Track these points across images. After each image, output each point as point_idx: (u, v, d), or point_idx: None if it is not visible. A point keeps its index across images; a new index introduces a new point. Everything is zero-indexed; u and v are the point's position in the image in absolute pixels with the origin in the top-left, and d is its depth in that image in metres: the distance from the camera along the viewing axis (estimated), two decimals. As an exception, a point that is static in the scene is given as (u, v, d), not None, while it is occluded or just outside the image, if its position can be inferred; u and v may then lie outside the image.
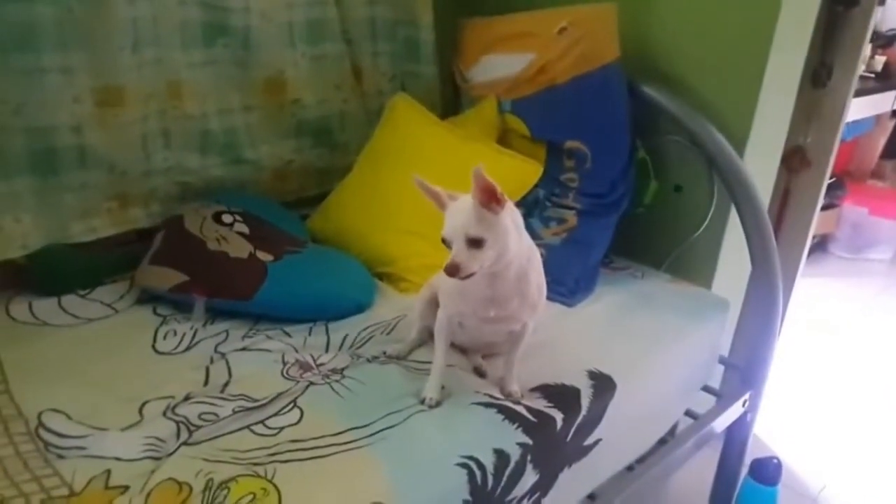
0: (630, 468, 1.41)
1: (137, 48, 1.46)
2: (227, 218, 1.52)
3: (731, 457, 1.75)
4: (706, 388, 1.63)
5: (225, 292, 1.36)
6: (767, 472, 1.68)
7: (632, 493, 1.34)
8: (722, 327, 1.62)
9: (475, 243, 1.01)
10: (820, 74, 1.81)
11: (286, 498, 0.96)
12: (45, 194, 1.42)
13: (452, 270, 1.00)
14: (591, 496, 1.32)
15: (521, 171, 1.65)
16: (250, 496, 0.95)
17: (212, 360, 1.25)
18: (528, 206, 1.68)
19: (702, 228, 1.72)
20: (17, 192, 1.39)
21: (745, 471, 1.70)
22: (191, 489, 0.96)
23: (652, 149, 1.70)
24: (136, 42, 1.45)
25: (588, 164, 1.67)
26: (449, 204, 1.05)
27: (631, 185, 1.65)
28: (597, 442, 1.27)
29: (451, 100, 2.02)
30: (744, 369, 1.68)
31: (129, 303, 1.42)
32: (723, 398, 1.64)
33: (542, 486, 1.18)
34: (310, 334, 1.36)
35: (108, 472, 0.98)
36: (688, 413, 1.58)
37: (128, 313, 1.39)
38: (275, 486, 0.98)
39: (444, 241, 1.04)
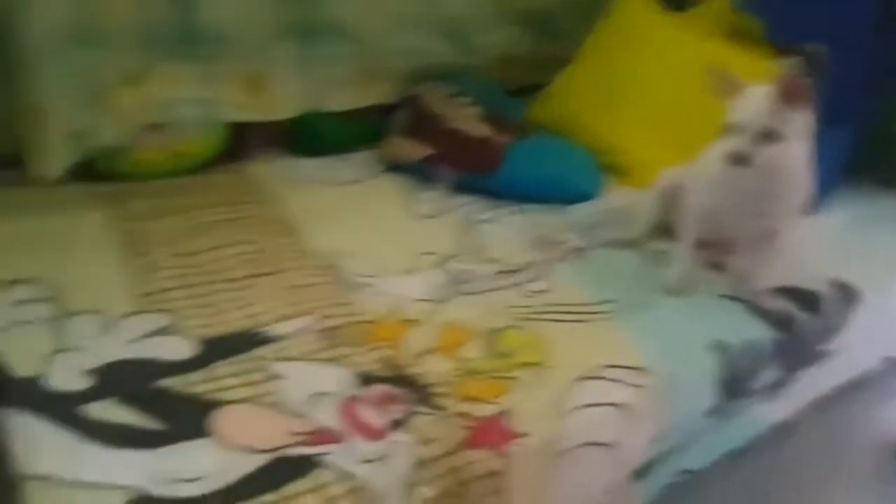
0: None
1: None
2: (462, 100, 1.59)
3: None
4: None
5: (472, 167, 1.45)
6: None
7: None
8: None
9: (767, 136, 1.01)
10: None
11: (552, 351, 1.05)
12: (305, 61, 1.53)
13: (737, 159, 1.02)
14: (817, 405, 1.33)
15: (762, 75, 1.60)
16: (524, 345, 1.06)
17: (465, 227, 1.35)
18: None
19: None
20: (282, 58, 1.51)
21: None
22: (475, 333, 1.07)
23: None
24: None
25: (827, 71, 1.59)
26: (744, 91, 1.05)
27: (879, 96, 1.55)
28: (835, 350, 1.28)
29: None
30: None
31: (378, 170, 1.54)
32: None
33: (780, 383, 1.21)
34: (546, 212, 1.43)
35: (399, 306, 1.11)
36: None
37: (379, 179, 1.52)
38: (541, 338, 1.07)
39: (731, 127, 1.05)
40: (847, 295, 1.29)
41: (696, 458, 1.17)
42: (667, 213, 1.35)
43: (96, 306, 1.03)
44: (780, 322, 1.20)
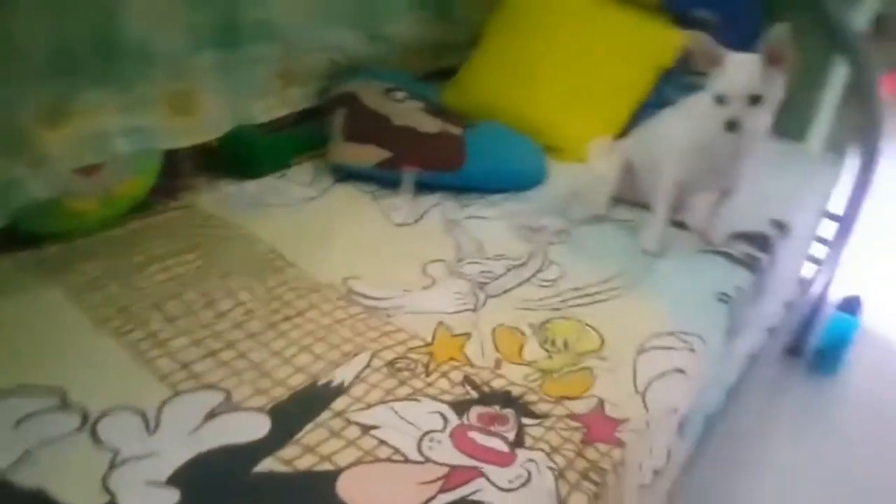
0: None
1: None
2: (399, 94, 1.53)
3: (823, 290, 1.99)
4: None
5: (436, 165, 1.41)
6: (851, 304, 1.95)
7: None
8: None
9: (755, 100, 1.10)
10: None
11: (603, 333, 1.08)
12: (227, 69, 1.38)
13: (734, 125, 1.10)
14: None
15: (667, 41, 1.72)
16: (574, 334, 1.07)
17: (449, 228, 1.32)
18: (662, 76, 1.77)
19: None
20: (205, 68, 1.35)
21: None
22: (522, 332, 1.07)
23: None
24: None
25: (717, 35, 1.76)
26: (728, 59, 1.12)
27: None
28: (774, 281, 1.45)
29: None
30: (844, 219, 1.89)
31: (329, 182, 1.44)
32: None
33: (749, 320, 1.35)
34: (513, 201, 1.44)
35: (442, 323, 1.07)
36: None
37: (337, 191, 1.42)
38: (585, 324, 1.10)
39: (718, 97, 1.12)
40: (782, 231, 1.46)
41: (711, 404, 1.28)
42: (621, 185, 1.43)
43: (123, 401, 0.86)
44: (750, 266, 1.33)
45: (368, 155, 1.42)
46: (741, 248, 1.37)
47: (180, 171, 1.34)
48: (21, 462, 0.77)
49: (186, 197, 1.32)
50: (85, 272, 1.08)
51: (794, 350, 2.07)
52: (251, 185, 1.39)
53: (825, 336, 2.00)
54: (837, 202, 1.88)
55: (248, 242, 1.22)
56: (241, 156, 1.42)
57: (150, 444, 0.81)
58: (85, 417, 0.83)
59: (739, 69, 1.11)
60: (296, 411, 0.89)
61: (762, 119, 1.16)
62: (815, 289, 1.76)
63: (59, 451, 0.79)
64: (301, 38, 1.49)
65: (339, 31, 1.59)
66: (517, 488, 0.82)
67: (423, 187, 1.43)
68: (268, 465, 0.81)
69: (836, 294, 2.01)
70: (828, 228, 1.89)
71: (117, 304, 1.02)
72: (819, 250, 1.87)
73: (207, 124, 1.35)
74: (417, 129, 1.46)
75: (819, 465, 1.72)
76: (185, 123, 1.29)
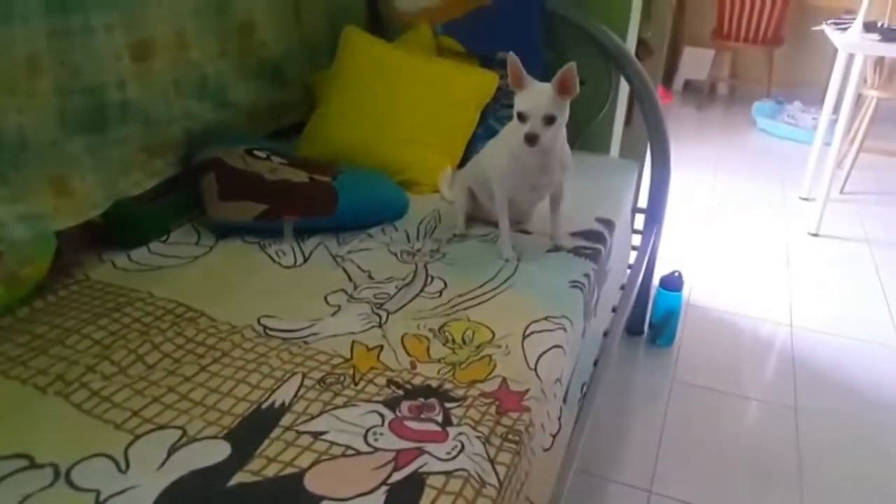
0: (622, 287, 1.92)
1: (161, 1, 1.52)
2: (259, 153, 1.67)
3: (647, 274, 2.35)
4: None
5: (312, 211, 1.55)
6: (673, 282, 2.33)
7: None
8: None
9: (550, 120, 1.37)
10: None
11: (491, 326, 1.28)
12: (97, 151, 1.45)
13: (532, 139, 1.35)
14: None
15: (483, 81, 2.00)
16: (469, 331, 1.26)
17: (337, 263, 1.46)
18: (484, 111, 2.04)
19: (604, 111, 2.23)
20: (77, 153, 1.41)
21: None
22: (426, 336, 1.24)
23: (558, 52, 2.15)
24: (159, -7, 1.51)
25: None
26: (529, 84, 1.38)
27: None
28: (609, 269, 1.74)
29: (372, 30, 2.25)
30: (650, 211, 2.26)
31: (213, 239, 1.53)
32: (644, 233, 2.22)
33: (597, 302, 1.62)
34: (385, 233, 1.61)
35: (356, 341, 1.21)
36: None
37: (222, 246, 1.50)
38: (476, 322, 1.29)
39: (519, 115, 1.37)
40: (608, 227, 1.76)
41: (586, 373, 1.52)
42: (469, 207, 1.67)
43: (89, 451, 0.92)
44: (592, 257, 1.60)
45: (247, 210, 1.53)
46: (581, 244, 1.64)
47: (69, 248, 1.37)
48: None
49: (79, 272, 1.36)
50: (5, 353, 1.10)
51: (632, 329, 2.41)
52: (138, 253, 1.44)
53: (655, 312, 2.35)
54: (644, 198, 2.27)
55: (153, 302, 1.29)
56: (122, 227, 1.46)
57: (126, 480, 0.88)
58: (57, 472, 0.88)
59: (538, 93, 1.36)
60: (249, 433, 0.99)
61: (556, 135, 1.43)
62: (639, 271, 2.09)
63: (44, 502, 0.84)
64: (159, 114, 1.58)
65: (189, 102, 1.69)
66: (456, 456, 0.98)
67: (301, 232, 1.56)
68: (239, 478, 0.91)
69: (660, 274, 2.38)
70: (640, 221, 2.26)
71: (52, 373, 1.06)
72: (637, 239, 2.22)
73: (87, 203, 1.40)
74: (291, 180, 1.59)
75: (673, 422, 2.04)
76: (68, 204, 1.33)
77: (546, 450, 1.20)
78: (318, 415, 1.04)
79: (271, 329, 1.23)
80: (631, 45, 2.32)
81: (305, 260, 1.48)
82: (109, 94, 1.44)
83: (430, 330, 1.26)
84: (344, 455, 0.96)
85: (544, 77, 1.38)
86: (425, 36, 2.09)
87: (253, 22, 1.85)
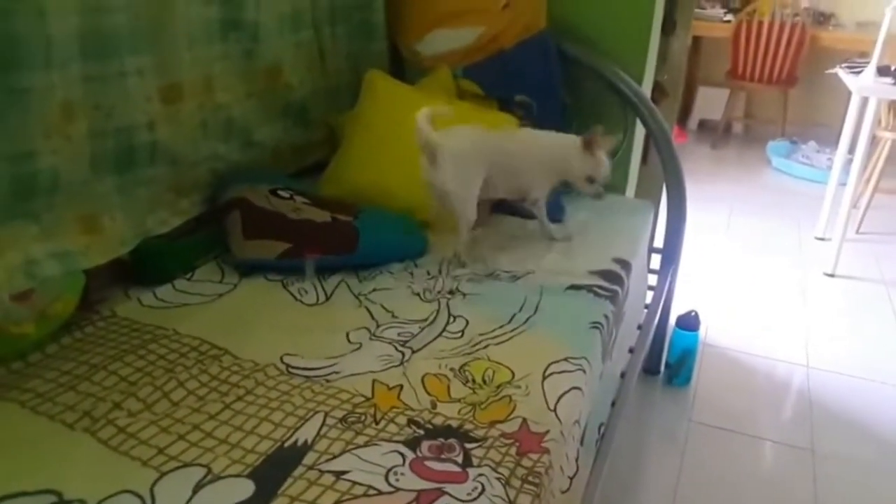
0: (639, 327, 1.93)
1: (192, 46, 1.57)
2: (283, 193, 1.70)
3: (663, 313, 2.35)
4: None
5: (334, 250, 1.58)
6: (689, 321, 2.33)
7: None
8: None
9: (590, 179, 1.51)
10: (667, 25, 2.43)
11: (511, 366, 1.29)
12: (126, 190, 1.49)
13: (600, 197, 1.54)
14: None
15: (502, 123, 2.03)
16: (489, 371, 1.27)
17: (360, 302, 1.48)
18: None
19: (619, 152, 2.26)
20: (108, 192, 1.45)
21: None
22: (446, 376, 1.25)
23: (575, 96, 2.19)
24: (190, 40, 1.56)
25: (535, 113, 2.12)
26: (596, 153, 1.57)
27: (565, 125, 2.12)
28: (627, 309, 1.75)
29: (393, 72, 2.31)
30: (666, 251, 2.28)
31: (236, 277, 1.56)
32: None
33: (614, 343, 1.63)
34: (407, 270, 1.64)
35: (376, 380, 1.22)
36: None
37: (245, 284, 1.53)
38: (496, 362, 1.30)
39: (589, 178, 1.53)
40: (625, 267, 1.78)
41: (603, 414, 1.52)
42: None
43: (115, 487, 0.93)
44: (610, 298, 1.61)
45: (270, 248, 1.56)
46: (599, 283, 1.65)
47: (96, 285, 1.40)
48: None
49: (105, 309, 1.38)
50: (33, 389, 1.13)
51: (648, 369, 2.41)
52: (163, 290, 1.47)
53: (672, 352, 2.35)
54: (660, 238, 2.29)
55: (178, 339, 1.31)
56: (148, 264, 1.50)
57: (153, 518, 0.89)
58: (87, 505, 0.89)
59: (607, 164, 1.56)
60: (273, 471, 1.00)
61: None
62: (656, 311, 2.10)
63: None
64: (186, 154, 1.62)
65: (216, 143, 1.73)
66: (476, 497, 0.98)
67: (323, 270, 1.59)
68: (263, 519, 0.92)
69: (676, 314, 2.38)
70: (656, 261, 2.28)
71: (80, 410, 1.08)
72: (654, 279, 2.23)
73: (116, 241, 1.43)
74: (313, 220, 1.62)
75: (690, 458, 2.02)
76: (97, 242, 1.37)
77: (564, 492, 1.20)
78: (340, 454, 1.05)
79: (293, 367, 1.25)
80: (647, 88, 2.36)
81: (328, 298, 1.50)
82: (139, 135, 1.48)
83: (451, 369, 1.27)
84: (366, 495, 0.97)
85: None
86: (446, 79, 2.14)
87: (279, 65, 1.90)
